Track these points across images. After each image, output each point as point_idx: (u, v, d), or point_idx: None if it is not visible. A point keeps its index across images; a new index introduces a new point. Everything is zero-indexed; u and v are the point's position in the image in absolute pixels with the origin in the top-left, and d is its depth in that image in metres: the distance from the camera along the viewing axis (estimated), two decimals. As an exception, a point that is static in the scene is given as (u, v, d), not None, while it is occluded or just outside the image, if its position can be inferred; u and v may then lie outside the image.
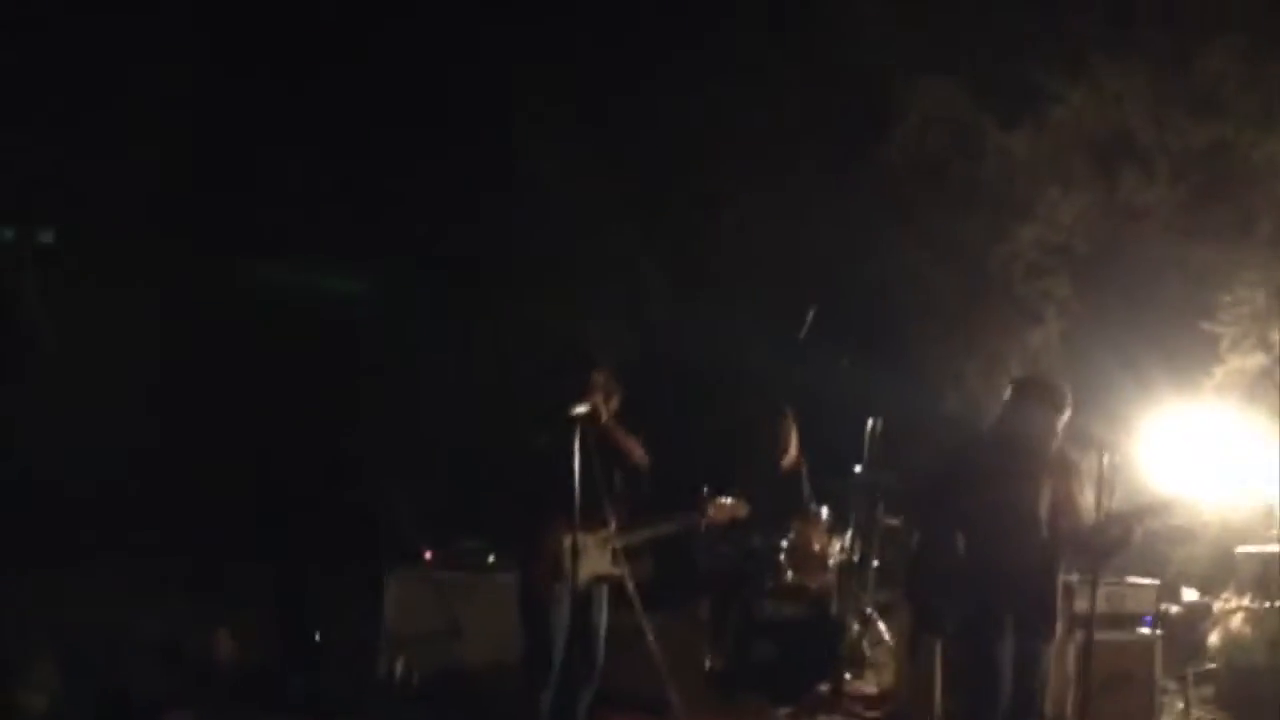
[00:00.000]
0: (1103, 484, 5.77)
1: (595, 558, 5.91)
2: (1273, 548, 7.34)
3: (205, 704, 6.58)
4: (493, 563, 7.22)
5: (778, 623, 7.42)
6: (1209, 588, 7.69)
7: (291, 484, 8.16)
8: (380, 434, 8.64)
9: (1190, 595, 7.64)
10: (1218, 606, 7.38)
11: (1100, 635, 6.25)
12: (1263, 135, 7.74)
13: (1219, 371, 8.15)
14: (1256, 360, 8.06)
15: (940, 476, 5.82)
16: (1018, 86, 8.30)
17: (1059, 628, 5.71)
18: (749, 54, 8.81)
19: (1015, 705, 5.49)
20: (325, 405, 8.45)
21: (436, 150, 9.07)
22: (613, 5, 9.18)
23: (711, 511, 6.41)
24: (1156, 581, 7.04)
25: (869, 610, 7.74)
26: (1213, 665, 7.16)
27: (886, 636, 7.60)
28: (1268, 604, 7.04)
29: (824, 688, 7.31)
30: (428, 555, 7.31)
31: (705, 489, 6.64)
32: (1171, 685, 6.95)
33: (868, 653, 7.62)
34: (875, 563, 7.76)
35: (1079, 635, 6.38)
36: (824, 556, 7.51)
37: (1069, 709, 6.59)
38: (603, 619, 6.01)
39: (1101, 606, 6.20)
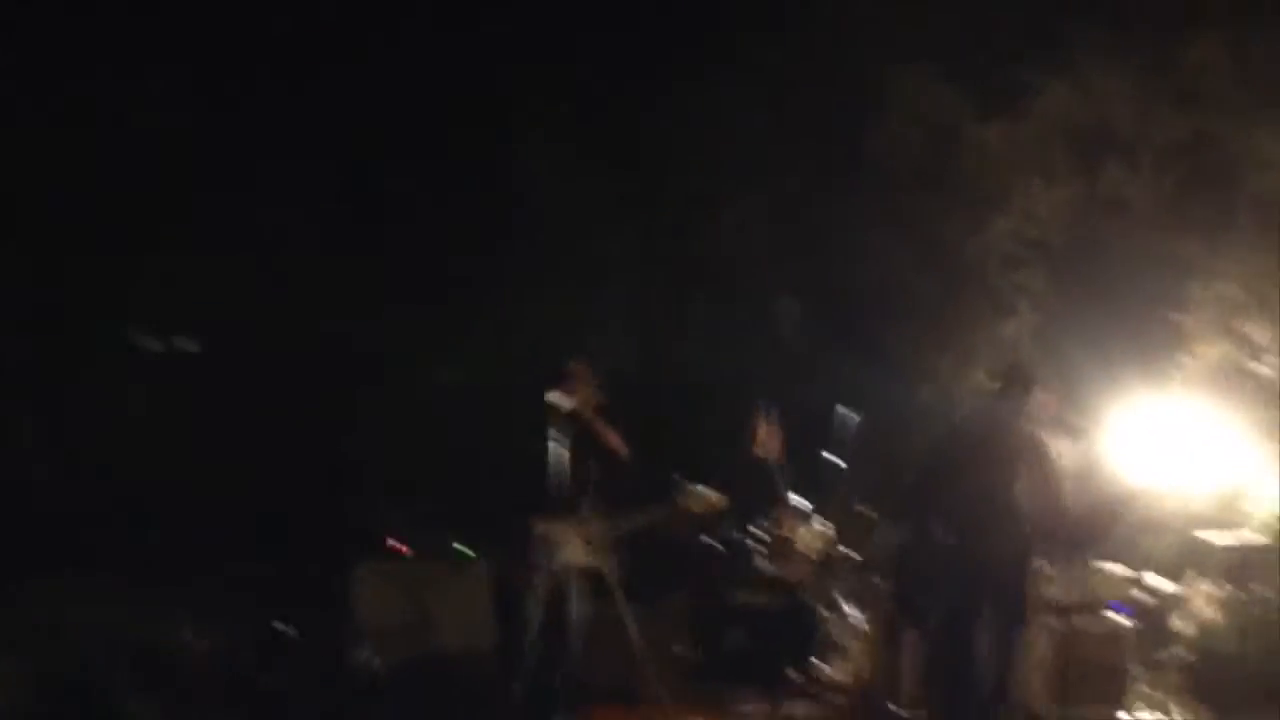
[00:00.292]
0: (1083, 474, 5.83)
1: (572, 548, 5.91)
2: (1243, 536, 7.40)
3: (171, 698, 6.53)
4: (464, 553, 7.20)
5: (752, 611, 7.45)
6: (1175, 575, 7.73)
7: (260, 479, 8.09)
8: (351, 429, 8.58)
9: (1159, 582, 7.69)
10: (1187, 594, 7.42)
11: (1069, 622, 6.29)
12: (1245, 127, 7.76)
13: (1188, 363, 8.20)
14: (1224, 351, 8.12)
15: (922, 471, 5.87)
16: (998, 79, 8.33)
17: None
18: (744, 53, 8.83)
19: (992, 692, 5.53)
20: (299, 403, 8.38)
21: (431, 150, 9.04)
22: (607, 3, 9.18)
23: (689, 501, 6.41)
24: (1127, 569, 7.10)
25: (842, 599, 7.76)
26: (1183, 653, 7.20)
27: (860, 625, 7.61)
28: (1241, 593, 7.08)
29: (797, 676, 7.34)
30: (397, 546, 7.29)
31: (678, 478, 6.65)
32: (1143, 672, 6.98)
33: (841, 641, 7.63)
34: (849, 552, 7.76)
35: (1050, 622, 6.43)
36: (799, 547, 7.56)
37: (1039, 695, 6.65)
38: (579, 609, 6.01)
39: (1071, 592, 6.25)
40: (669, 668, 6.85)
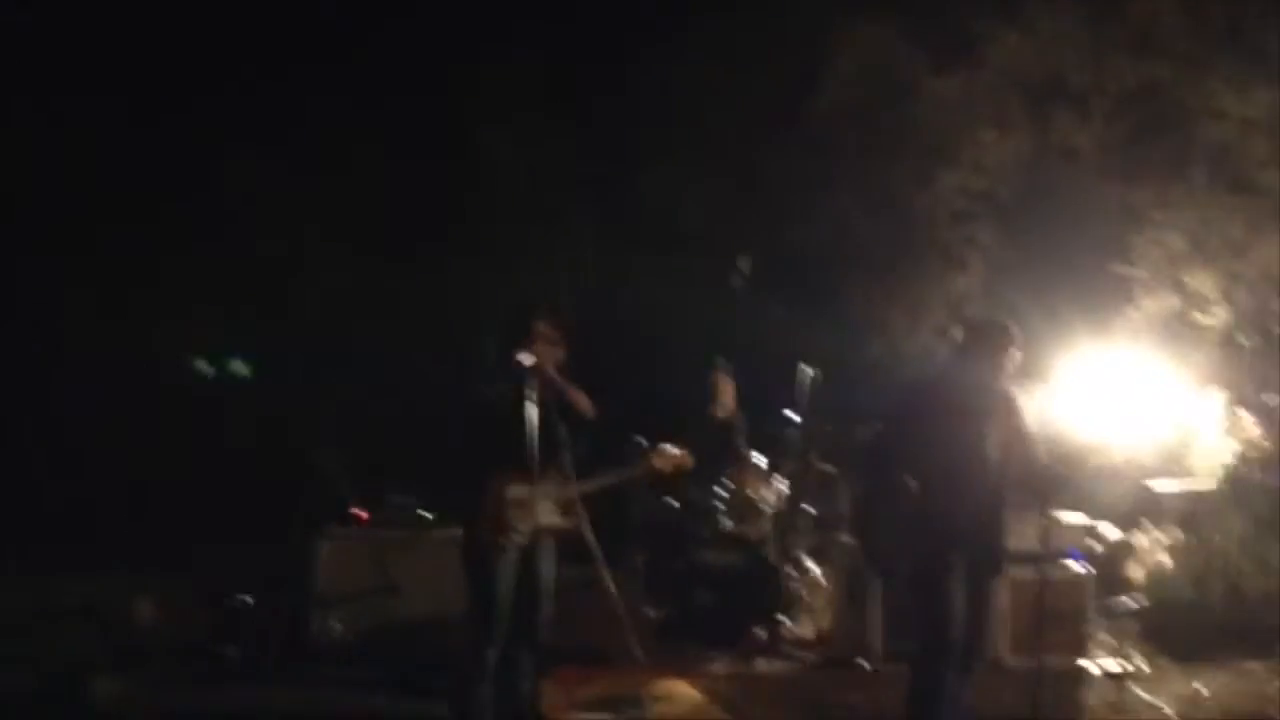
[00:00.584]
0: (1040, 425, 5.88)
1: (542, 510, 5.82)
2: (1191, 484, 7.56)
3: (133, 672, 6.38)
4: (429, 519, 7.09)
5: (716, 571, 7.47)
6: (1126, 524, 7.88)
7: (221, 446, 7.90)
8: (310, 394, 8.41)
9: (1111, 531, 7.83)
10: (1139, 542, 7.57)
11: (1031, 572, 6.37)
12: (1198, 76, 7.82)
13: (1133, 314, 8.31)
14: (1169, 303, 8.24)
15: (889, 424, 5.86)
16: (948, 30, 8.30)
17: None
18: (692, 7, 8.70)
19: (967, 644, 5.58)
20: (254, 367, 8.19)
21: (372, 114, 8.83)
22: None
23: (657, 462, 6.34)
24: (1084, 517, 7.21)
25: (804, 556, 7.79)
26: (1138, 600, 7.35)
27: (822, 581, 7.66)
28: (1192, 539, 7.25)
29: (761, 633, 7.37)
30: (360, 513, 7.16)
31: (641, 440, 6.59)
32: (1101, 620, 7.12)
33: (804, 597, 7.67)
34: (809, 509, 7.80)
35: (1015, 572, 6.49)
36: (760, 504, 7.58)
37: (1003, 644, 6.75)
38: (548, 571, 5.92)
39: (1030, 543, 6.31)
40: (636, 629, 6.82)
